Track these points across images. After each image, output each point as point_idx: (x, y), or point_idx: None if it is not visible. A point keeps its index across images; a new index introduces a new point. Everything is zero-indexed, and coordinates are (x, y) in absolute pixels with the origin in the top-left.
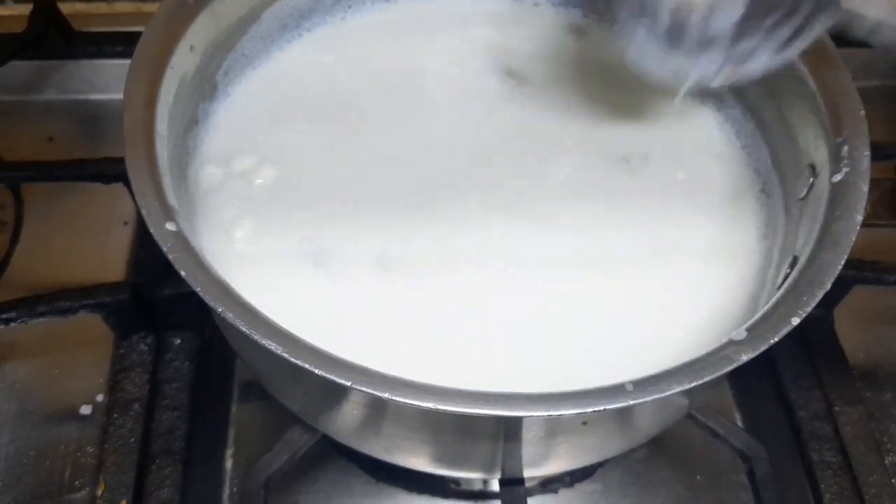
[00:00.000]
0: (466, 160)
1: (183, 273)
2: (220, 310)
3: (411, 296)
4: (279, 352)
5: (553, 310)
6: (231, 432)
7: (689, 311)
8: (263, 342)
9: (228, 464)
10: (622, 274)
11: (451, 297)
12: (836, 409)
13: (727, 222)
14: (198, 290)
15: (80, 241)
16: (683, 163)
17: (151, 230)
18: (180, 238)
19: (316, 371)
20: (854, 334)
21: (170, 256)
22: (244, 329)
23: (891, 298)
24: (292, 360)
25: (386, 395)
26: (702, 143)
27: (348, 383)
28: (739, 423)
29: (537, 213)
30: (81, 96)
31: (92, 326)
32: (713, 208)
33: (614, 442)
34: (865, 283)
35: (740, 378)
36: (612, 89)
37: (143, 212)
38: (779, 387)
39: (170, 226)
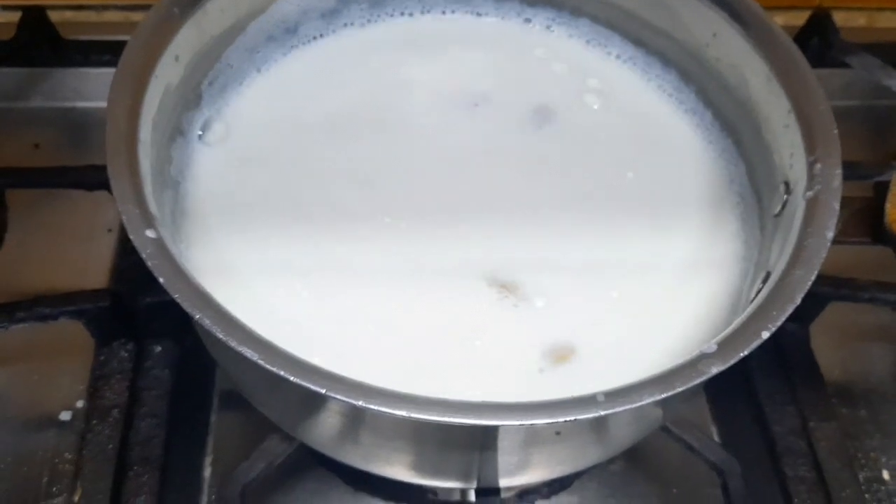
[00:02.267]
0: (450, 178)
1: (161, 280)
2: (197, 316)
3: (397, 310)
4: (255, 358)
5: (527, 320)
6: (210, 441)
7: (666, 323)
8: (239, 349)
9: (207, 472)
10: (598, 285)
11: (427, 310)
12: (811, 424)
13: (706, 237)
14: (175, 296)
15: (65, 247)
16: (662, 177)
17: (131, 237)
18: (160, 245)
19: (291, 378)
20: (829, 351)
21: (149, 263)
22: (221, 336)
23: (866, 315)
24: (267, 366)
25: (360, 403)
26: (681, 157)
27: (323, 391)
28: (716, 437)
29: (517, 227)
30: (68, 104)
31: (73, 333)
32: (692, 223)
33: (589, 453)
34: (841, 299)
35: (717, 392)
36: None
37: (124, 218)
38: (754, 402)
39: (150, 233)
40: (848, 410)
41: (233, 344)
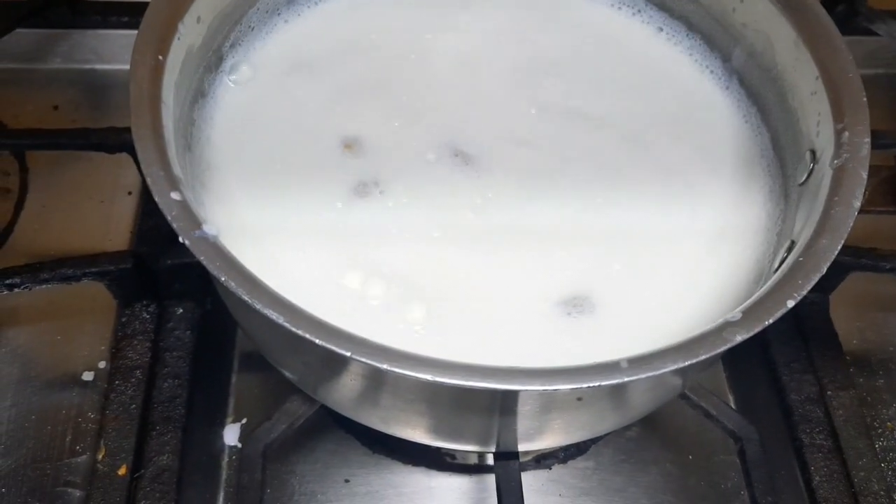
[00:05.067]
0: (478, 133)
1: (186, 242)
2: (223, 279)
3: (419, 275)
4: (280, 321)
5: (553, 282)
6: (231, 401)
7: (688, 291)
8: (265, 311)
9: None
10: (626, 250)
11: (451, 274)
12: (829, 393)
13: (729, 206)
14: (201, 258)
15: (85, 209)
16: (686, 143)
17: (157, 199)
18: (185, 207)
19: (316, 341)
20: (848, 320)
21: (174, 225)
22: (246, 298)
23: (886, 285)
24: (293, 329)
25: (385, 367)
26: (711, 126)
27: (348, 354)
28: (732, 405)
29: (545, 186)
30: (87, 65)
31: (95, 294)
32: (714, 191)
33: (608, 419)
34: (862, 269)
35: (734, 360)
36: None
37: (149, 181)
38: (772, 370)
39: (175, 195)
40: (865, 379)
41: (258, 306)
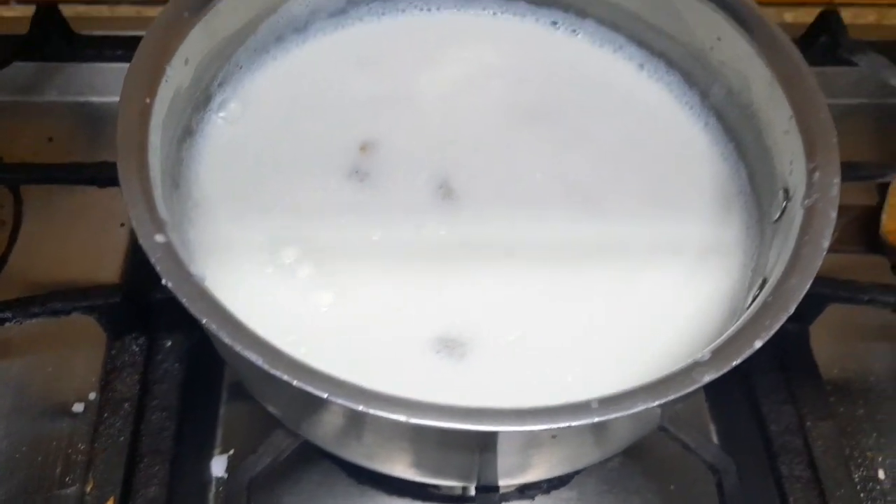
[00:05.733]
0: (457, 166)
1: (170, 284)
2: (203, 321)
3: (399, 303)
4: (259, 363)
5: (528, 318)
6: (219, 433)
7: (668, 323)
8: (245, 353)
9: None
10: (602, 283)
11: (424, 304)
12: (808, 423)
13: (708, 241)
14: (183, 301)
15: (78, 241)
16: (670, 179)
17: (141, 241)
18: (169, 249)
19: (294, 383)
20: (828, 350)
21: (158, 267)
22: (227, 340)
23: (866, 315)
24: (272, 371)
25: (360, 408)
26: (689, 163)
27: (324, 395)
28: (713, 435)
29: (523, 217)
30: (82, 98)
31: (86, 326)
32: (696, 227)
33: (586, 453)
34: (840, 301)
35: (715, 390)
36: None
37: (134, 223)
38: (752, 400)
39: (159, 237)
40: (845, 409)
41: (238, 348)
